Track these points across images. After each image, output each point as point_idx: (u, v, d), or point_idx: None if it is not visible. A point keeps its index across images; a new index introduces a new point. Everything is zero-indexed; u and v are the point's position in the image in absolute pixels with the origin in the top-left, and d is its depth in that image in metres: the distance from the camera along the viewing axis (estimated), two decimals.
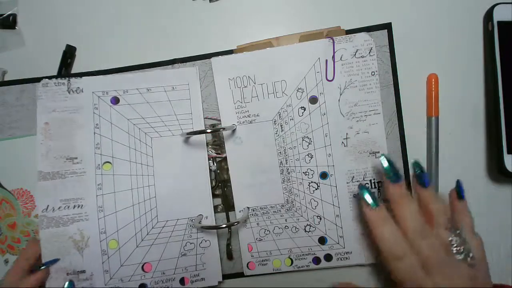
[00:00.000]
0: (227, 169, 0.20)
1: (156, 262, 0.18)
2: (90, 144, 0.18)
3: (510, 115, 0.18)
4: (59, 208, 0.18)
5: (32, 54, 0.21)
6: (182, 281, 0.19)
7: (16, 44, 0.21)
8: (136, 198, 0.18)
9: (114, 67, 0.20)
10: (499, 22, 0.19)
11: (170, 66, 0.20)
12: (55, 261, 0.17)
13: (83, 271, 0.18)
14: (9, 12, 0.21)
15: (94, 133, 0.19)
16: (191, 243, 0.19)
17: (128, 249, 0.18)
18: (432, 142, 0.20)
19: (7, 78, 0.21)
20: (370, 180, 0.19)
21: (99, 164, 0.18)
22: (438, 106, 0.20)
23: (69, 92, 0.19)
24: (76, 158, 0.18)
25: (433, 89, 0.20)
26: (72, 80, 0.19)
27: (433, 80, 0.20)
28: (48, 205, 0.18)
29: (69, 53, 0.20)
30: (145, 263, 0.18)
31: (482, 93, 0.21)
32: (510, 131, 0.18)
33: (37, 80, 0.19)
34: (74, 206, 0.18)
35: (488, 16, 0.20)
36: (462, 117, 0.21)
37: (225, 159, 0.20)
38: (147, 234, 0.18)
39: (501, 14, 0.19)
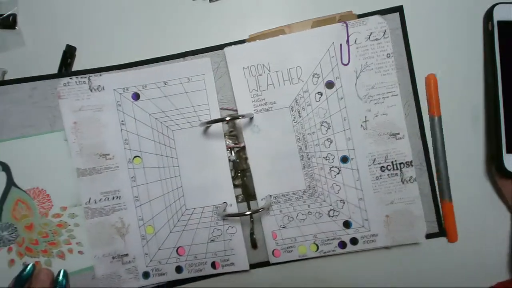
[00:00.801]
0: (246, 158, 0.35)
1: (188, 246, 0.35)
2: (119, 140, 0.35)
3: (509, 114, 0.32)
4: (100, 200, 0.35)
5: (32, 54, 0.37)
6: (213, 265, 0.35)
7: (16, 44, 0.37)
8: (165, 188, 0.35)
9: (127, 62, 0.35)
10: (499, 22, 0.32)
11: (181, 58, 0.35)
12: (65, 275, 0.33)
13: (126, 255, 0.35)
14: (9, 12, 0.37)
15: (121, 129, 0.35)
16: (218, 230, 0.35)
17: (163, 234, 0.35)
18: (438, 141, 0.34)
19: (7, 77, 0.37)
20: (392, 162, 0.33)
21: (129, 159, 0.35)
22: (439, 106, 0.34)
23: (91, 90, 0.35)
24: (108, 154, 0.35)
25: (433, 89, 0.33)
26: (92, 78, 0.35)
27: (432, 80, 0.34)
28: (90, 198, 0.35)
29: (69, 53, 0.36)
30: (179, 247, 0.35)
31: (482, 93, 0.35)
32: (509, 130, 0.32)
33: (50, 77, 0.35)
34: (113, 198, 0.35)
35: (488, 16, 0.33)
36: (461, 116, 0.35)
37: (242, 149, 0.36)
38: (178, 221, 0.35)
39: (501, 14, 0.32)
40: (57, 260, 0.34)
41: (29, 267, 0.33)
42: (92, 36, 0.37)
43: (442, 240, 0.36)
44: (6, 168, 0.33)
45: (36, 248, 0.34)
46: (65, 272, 0.34)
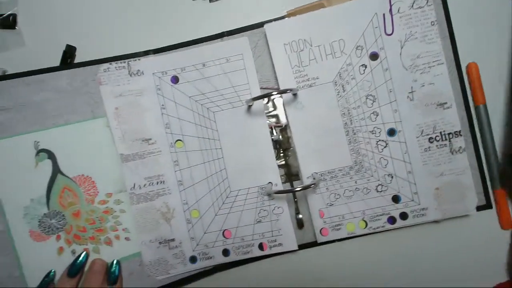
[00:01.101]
0: (288, 138, 0.35)
1: (234, 229, 0.35)
2: (160, 124, 0.35)
3: None
4: (144, 185, 0.34)
5: (32, 54, 0.37)
6: (260, 246, 0.35)
7: (16, 44, 0.36)
8: (209, 171, 0.35)
9: (167, 45, 0.35)
10: None
11: (219, 39, 0.35)
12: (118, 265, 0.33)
13: (173, 240, 0.35)
14: (9, 12, 0.36)
15: (162, 113, 0.35)
16: (264, 210, 0.35)
17: (208, 218, 0.35)
18: (486, 131, 0.33)
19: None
20: (440, 132, 0.33)
21: (171, 143, 0.35)
22: (483, 93, 0.33)
23: (130, 75, 0.35)
24: (150, 139, 0.35)
25: (475, 77, 0.33)
26: (131, 63, 0.35)
27: (473, 69, 0.33)
28: (134, 184, 0.34)
29: (69, 53, 0.36)
30: (225, 230, 0.35)
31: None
32: None
33: (89, 63, 0.35)
34: (157, 182, 0.34)
35: None
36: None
37: (284, 128, 0.35)
38: (223, 203, 0.35)
39: None
40: (104, 247, 0.34)
41: (82, 255, 0.33)
42: (92, 36, 0.37)
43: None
44: (51, 156, 0.33)
45: (84, 235, 0.34)
46: (118, 262, 0.33)
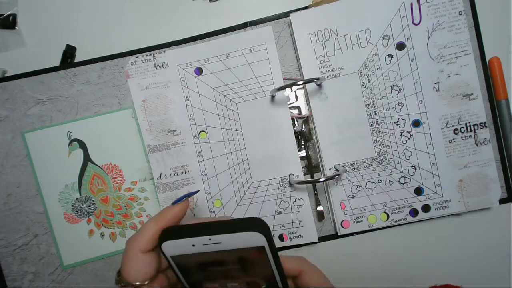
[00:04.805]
0: (309, 129, 0.38)
1: None
2: (185, 116, 0.38)
3: None
4: (170, 175, 0.39)
5: (32, 54, 0.40)
6: (281, 237, 0.39)
7: (16, 44, 0.40)
8: (231, 162, 0.38)
9: (190, 36, 0.39)
10: None
11: (242, 30, 0.38)
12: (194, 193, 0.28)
13: None
14: (9, 12, 0.39)
15: (186, 105, 0.38)
16: (285, 202, 0.38)
17: (230, 208, 0.38)
18: (507, 127, 0.35)
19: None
20: (466, 124, 0.35)
21: (195, 134, 0.38)
22: (505, 88, 0.35)
23: (156, 68, 0.39)
24: (175, 130, 0.38)
25: (498, 71, 0.35)
26: (157, 55, 0.38)
27: (495, 63, 0.35)
28: (161, 173, 0.39)
29: (69, 53, 0.39)
30: None
31: None
32: None
33: (117, 56, 0.38)
34: (182, 172, 0.38)
35: None
36: None
37: (306, 119, 0.38)
38: (245, 194, 0.38)
39: None
40: (130, 231, 0.39)
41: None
42: (92, 36, 0.40)
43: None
44: (83, 146, 0.38)
45: (111, 219, 0.39)
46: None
